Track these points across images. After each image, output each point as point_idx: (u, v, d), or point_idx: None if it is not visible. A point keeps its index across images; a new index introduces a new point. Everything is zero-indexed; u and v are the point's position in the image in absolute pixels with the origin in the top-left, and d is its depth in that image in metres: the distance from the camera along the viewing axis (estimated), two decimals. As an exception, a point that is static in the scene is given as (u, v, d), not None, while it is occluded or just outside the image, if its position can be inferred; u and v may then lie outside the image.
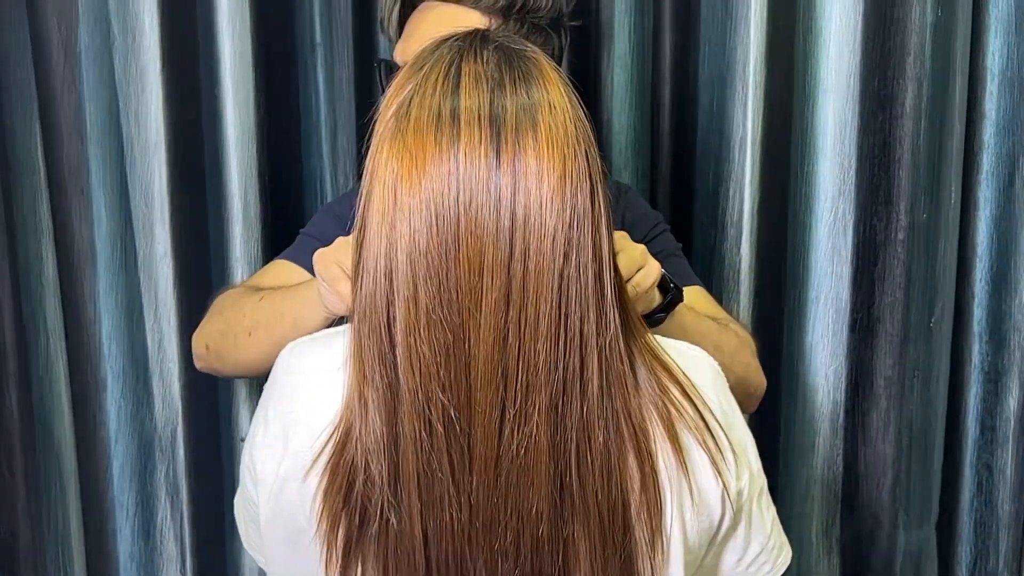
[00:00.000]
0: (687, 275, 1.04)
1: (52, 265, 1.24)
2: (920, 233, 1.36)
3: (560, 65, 0.95)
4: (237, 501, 0.80)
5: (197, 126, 1.24)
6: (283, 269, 1.01)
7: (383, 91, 0.96)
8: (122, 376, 1.29)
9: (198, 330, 1.02)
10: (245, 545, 0.81)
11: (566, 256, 0.60)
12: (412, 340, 0.60)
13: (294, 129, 1.32)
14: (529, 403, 0.61)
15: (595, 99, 1.34)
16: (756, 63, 1.28)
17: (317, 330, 0.85)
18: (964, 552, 1.49)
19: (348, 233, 0.83)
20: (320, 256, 0.82)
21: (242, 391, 1.31)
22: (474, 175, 0.59)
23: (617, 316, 0.63)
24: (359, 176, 1.27)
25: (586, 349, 0.61)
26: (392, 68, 0.97)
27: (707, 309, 0.99)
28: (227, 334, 0.96)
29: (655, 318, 0.85)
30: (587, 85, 1.33)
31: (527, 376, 0.61)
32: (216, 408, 1.32)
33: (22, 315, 1.23)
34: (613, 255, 0.64)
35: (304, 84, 1.32)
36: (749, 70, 1.27)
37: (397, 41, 0.99)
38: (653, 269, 0.82)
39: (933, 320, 1.40)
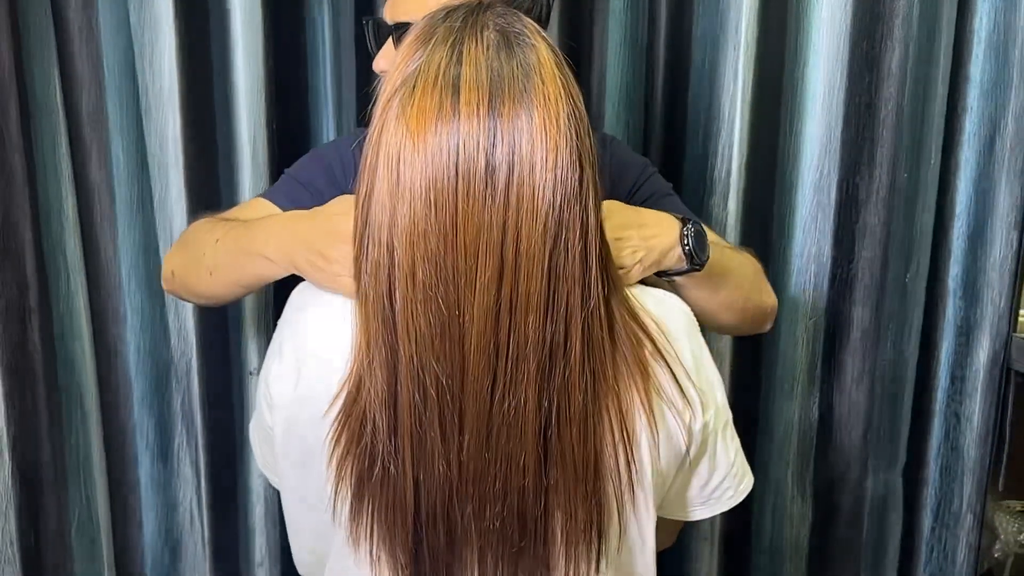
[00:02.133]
0: (682, 214, 1.07)
1: (72, 205, 1.28)
2: (900, 192, 1.40)
3: (549, 19, 0.98)
4: (253, 426, 0.87)
5: (208, 75, 1.26)
6: (262, 208, 1.02)
7: (372, 51, 0.99)
8: (140, 311, 1.34)
9: (168, 254, 1.03)
10: (260, 465, 0.88)
11: (555, 238, 0.65)
12: (410, 313, 0.65)
13: (302, 79, 1.35)
14: (519, 373, 0.66)
15: (589, 56, 1.36)
16: (749, 23, 1.30)
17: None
18: (930, 495, 1.55)
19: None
20: (324, 278, 0.79)
21: (251, 329, 1.36)
22: (472, 164, 0.63)
23: (600, 286, 0.68)
24: (357, 125, 1.30)
25: (570, 320, 0.66)
26: (380, 26, 0.98)
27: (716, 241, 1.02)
28: (190, 268, 0.98)
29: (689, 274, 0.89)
30: (582, 42, 1.35)
31: (517, 348, 0.66)
32: (227, 342, 1.37)
33: (43, 252, 1.26)
34: (601, 227, 0.68)
35: (312, 36, 1.34)
36: (741, 30, 1.30)
37: None
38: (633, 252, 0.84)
39: (909, 275, 1.45)
